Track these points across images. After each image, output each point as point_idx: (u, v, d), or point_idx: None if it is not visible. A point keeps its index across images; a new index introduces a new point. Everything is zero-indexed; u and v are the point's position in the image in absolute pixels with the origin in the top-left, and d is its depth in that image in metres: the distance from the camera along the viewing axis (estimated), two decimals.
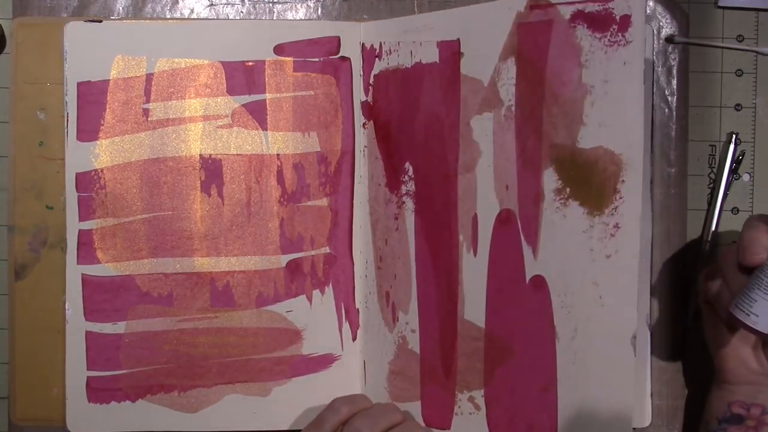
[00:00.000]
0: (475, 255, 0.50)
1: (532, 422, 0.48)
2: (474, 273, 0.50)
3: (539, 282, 0.48)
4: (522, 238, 0.48)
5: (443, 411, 0.51)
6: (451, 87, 0.51)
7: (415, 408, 0.52)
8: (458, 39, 0.50)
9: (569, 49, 0.46)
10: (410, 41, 0.52)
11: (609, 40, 0.45)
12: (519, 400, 0.49)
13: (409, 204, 0.52)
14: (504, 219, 0.49)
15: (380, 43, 0.53)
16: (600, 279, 0.45)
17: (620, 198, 0.45)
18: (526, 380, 0.48)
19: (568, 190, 0.47)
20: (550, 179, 0.47)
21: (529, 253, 0.48)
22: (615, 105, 0.45)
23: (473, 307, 0.50)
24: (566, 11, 0.46)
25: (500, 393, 0.49)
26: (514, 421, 0.49)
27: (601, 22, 0.45)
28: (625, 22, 0.45)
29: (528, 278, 0.48)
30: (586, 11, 0.46)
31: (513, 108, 0.48)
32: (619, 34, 0.45)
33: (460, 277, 0.51)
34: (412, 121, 0.52)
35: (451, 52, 0.51)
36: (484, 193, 0.50)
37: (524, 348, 0.48)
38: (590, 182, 0.45)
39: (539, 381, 0.48)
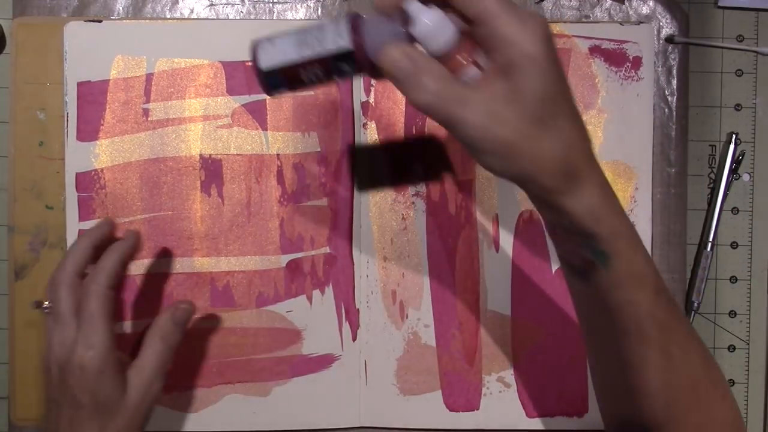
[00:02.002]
0: (497, 251, 0.53)
1: (562, 390, 0.53)
2: (497, 267, 0.54)
3: None
4: (546, 235, 0.53)
5: (470, 395, 0.54)
6: None
7: (435, 397, 0.53)
8: None
9: (588, 77, 0.54)
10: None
11: (624, 74, 0.53)
12: (549, 373, 0.53)
13: (420, 204, 0.53)
14: (527, 219, 0.54)
15: None
16: None
17: (635, 202, 0.53)
18: (555, 355, 0.53)
19: None
20: None
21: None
22: (629, 127, 0.53)
23: (497, 298, 0.54)
24: (584, 44, 0.53)
25: (530, 369, 0.54)
26: (545, 392, 0.53)
27: (616, 59, 0.53)
28: (637, 62, 0.53)
29: (554, 269, 0.54)
30: (602, 47, 0.53)
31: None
32: (633, 71, 0.53)
33: (481, 272, 0.53)
34: (422, 123, 0.53)
35: None
36: (505, 194, 0.54)
37: (553, 328, 0.53)
38: None
39: (568, 353, 0.53)
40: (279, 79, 0.38)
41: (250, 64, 0.37)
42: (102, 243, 0.47)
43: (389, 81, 0.35)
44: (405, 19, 0.36)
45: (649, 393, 0.38)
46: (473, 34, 0.35)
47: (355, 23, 0.36)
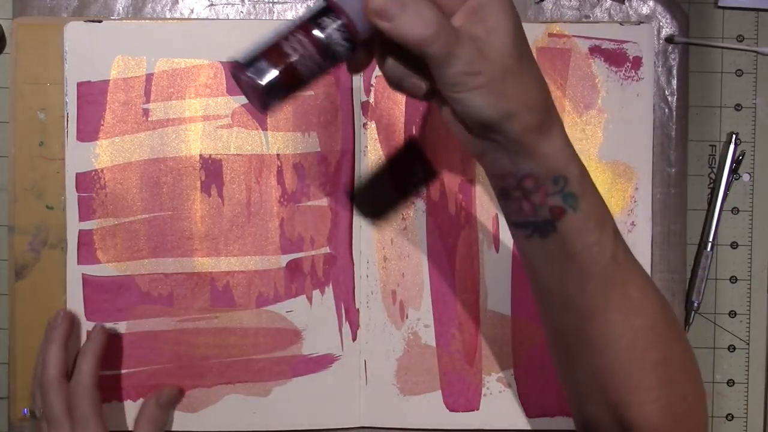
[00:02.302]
0: (497, 251, 0.53)
1: (562, 390, 0.51)
2: (497, 267, 0.53)
3: None
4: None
5: (470, 395, 0.53)
6: None
7: (435, 397, 0.53)
8: None
9: (588, 77, 0.53)
10: None
11: (624, 74, 0.53)
12: (549, 373, 0.53)
13: (420, 204, 0.53)
14: None
15: None
16: None
17: (635, 201, 0.53)
18: None
19: None
20: None
21: None
22: (629, 127, 0.53)
23: (497, 298, 0.54)
24: (584, 44, 0.53)
25: (530, 369, 0.53)
26: (545, 392, 0.53)
27: (616, 59, 0.53)
28: (637, 62, 0.53)
29: None
30: (602, 47, 0.53)
31: None
32: (633, 71, 0.53)
33: (481, 272, 0.53)
34: (422, 124, 0.53)
35: None
36: None
37: None
38: (609, 189, 0.53)
39: None
40: (270, 78, 0.34)
41: (236, 82, 0.36)
42: (69, 336, 0.50)
43: (381, 35, 0.35)
44: None
45: (612, 337, 0.39)
46: None
47: None
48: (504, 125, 0.35)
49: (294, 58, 0.34)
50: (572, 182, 0.37)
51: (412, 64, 0.36)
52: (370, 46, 0.37)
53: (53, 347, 0.49)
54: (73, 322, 0.51)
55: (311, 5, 0.34)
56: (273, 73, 0.34)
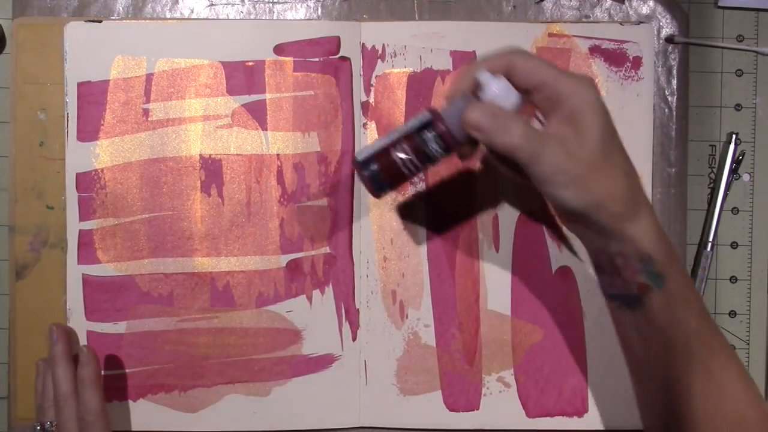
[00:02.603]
0: (497, 251, 0.54)
1: (562, 390, 0.53)
2: (496, 267, 0.54)
3: (566, 272, 0.54)
4: (546, 235, 0.54)
5: (470, 395, 0.54)
6: None
7: (435, 397, 0.53)
8: (474, 51, 0.53)
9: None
10: (419, 46, 0.53)
11: (624, 74, 0.54)
12: (549, 372, 0.54)
13: (420, 205, 0.53)
14: (527, 219, 0.54)
15: (383, 44, 0.53)
16: None
17: None
18: (556, 354, 0.54)
19: None
20: None
21: (554, 248, 0.53)
22: (629, 127, 0.52)
23: (497, 297, 0.54)
24: (584, 44, 0.54)
25: (530, 369, 0.54)
26: (545, 392, 0.54)
27: (616, 59, 0.54)
28: (637, 62, 0.54)
29: (554, 269, 0.54)
30: (602, 47, 0.54)
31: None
32: (633, 71, 0.54)
33: (481, 272, 0.54)
34: None
35: (466, 61, 0.53)
36: (505, 195, 0.54)
37: (553, 328, 0.54)
38: None
39: (568, 353, 0.54)
40: (377, 173, 0.43)
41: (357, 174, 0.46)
42: (71, 349, 0.50)
43: (479, 143, 0.42)
44: (475, 88, 0.42)
45: (693, 414, 0.41)
46: (533, 99, 0.42)
47: (430, 108, 0.44)
48: (592, 215, 0.40)
49: (397, 160, 0.43)
50: (659, 263, 0.41)
51: (512, 162, 0.41)
52: (473, 142, 0.43)
53: (61, 364, 0.49)
54: (69, 334, 0.50)
55: (419, 116, 0.43)
56: (379, 172, 0.43)
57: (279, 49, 0.53)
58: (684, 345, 0.41)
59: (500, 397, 0.54)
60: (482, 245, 0.54)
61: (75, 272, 0.52)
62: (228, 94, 0.53)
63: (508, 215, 0.54)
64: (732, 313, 0.55)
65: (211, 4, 0.54)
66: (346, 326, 0.53)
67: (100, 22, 0.53)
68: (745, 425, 0.42)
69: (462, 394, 0.53)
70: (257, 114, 0.53)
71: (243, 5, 0.54)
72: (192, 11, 0.54)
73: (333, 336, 0.53)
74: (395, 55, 0.53)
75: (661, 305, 0.41)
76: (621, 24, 0.54)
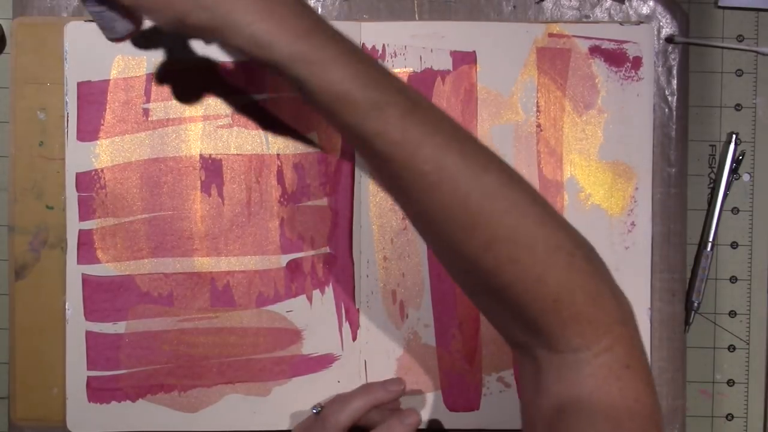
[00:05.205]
0: None
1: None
2: None
3: None
4: None
5: (470, 395, 0.53)
6: (467, 95, 0.53)
7: (435, 397, 0.53)
8: (474, 51, 0.53)
9: (588, 77, 0.54)
10: (419, 46, 0.53)
11: (624, 74, 0.54)
12: None
13: None
14: None
15: (383, 44, 0.53)
16: (620, 265, 0.53)
17: (635, 202, 0.53)
18: None
19: (589, 194, 0.53)
20: (572, 185, 0.53)
21: None
22: (629, 127, 0.53)
23: None
24: (584, 44, 0.53)
25: None
26: None
27: (616, 59, 0.54)
28: (637, 62, 0.53)
29: None
30: (602, 47, 0.53)
31: (535, 121, 0.53)
32: (633, 71, 0.54)
33: None
34: None
35: (467, 62, 0.53)
36: None
37: None
38: (610, 189, 0.54)
39: None
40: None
41: None
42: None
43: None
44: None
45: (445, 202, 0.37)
46: None
47: None
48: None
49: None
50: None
51: None
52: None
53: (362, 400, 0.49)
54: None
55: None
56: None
57: None
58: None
59: (500, 397, 0.54)
60: None
61: (75, 272, 0.52)
62: (228, 94, 0.53)
63: None
64: (732, 313, 0.55)
65: None
66: (346, 326, 0.53)
67: None
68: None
69: (462, 394, 0.53)
70: (257, 114, 0.53)
71: None
72: None
73: (333, 336, 0.53)
74: (395, 55, 0.53)
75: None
76: (621, 24, 0.54)
